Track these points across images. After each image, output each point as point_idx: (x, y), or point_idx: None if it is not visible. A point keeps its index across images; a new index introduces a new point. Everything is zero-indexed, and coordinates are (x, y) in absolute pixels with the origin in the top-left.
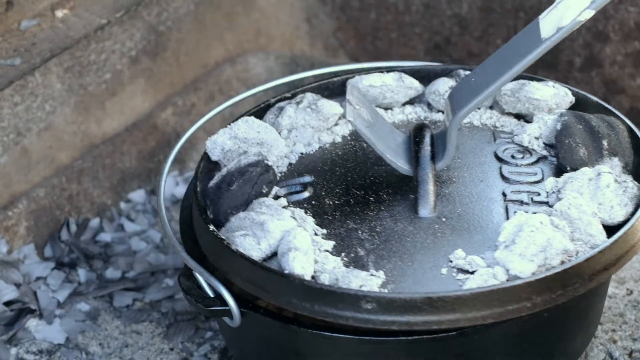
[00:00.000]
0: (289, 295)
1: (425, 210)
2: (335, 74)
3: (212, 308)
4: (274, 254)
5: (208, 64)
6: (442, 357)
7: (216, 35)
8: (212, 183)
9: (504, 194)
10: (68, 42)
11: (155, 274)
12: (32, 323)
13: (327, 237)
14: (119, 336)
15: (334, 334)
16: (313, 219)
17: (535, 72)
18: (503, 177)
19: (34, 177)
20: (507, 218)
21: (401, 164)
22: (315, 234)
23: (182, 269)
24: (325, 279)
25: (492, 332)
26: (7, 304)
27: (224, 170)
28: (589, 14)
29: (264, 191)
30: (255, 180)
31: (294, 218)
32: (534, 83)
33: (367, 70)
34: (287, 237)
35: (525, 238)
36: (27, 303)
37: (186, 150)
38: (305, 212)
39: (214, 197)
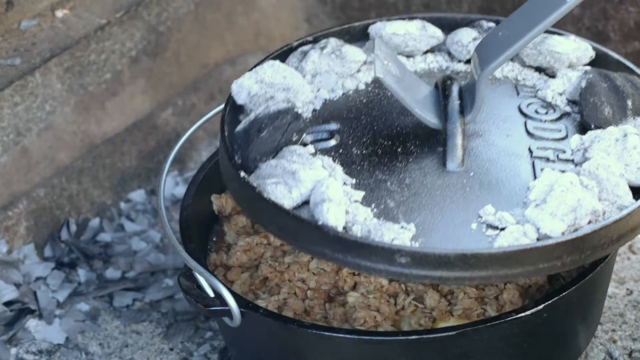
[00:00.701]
0: (322, 245)
1: (454, 164)
2: None
3: (212, 308)
4: (305, 203)
5: (208, 64)
6: (442, 357)
7: (216, 35)
8: (239, 128)
9: (530, 150)
10: (68, 42)
11: (155, 274)
12: (32, 323)
13: (356, 187)
14: (119, 336)
15: (334, 334)
16: (341, 168)
17: None
18: (528, 133)
19: (34, 177)
20: (534, 174)
21: (430, 118)
22: (345, 184)
23: (182, 269)
24: (357, 231)
25: (492, 332)
26: (7, 304)
27: (252, 115)
28: None
29: (294, 139)
30: (285, 128)
31: (324, 167)
32: (556, 37)
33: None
34: (319, 187)
35: (557, 197)
36: (27, 303)
37: (186, 150)
38: (334, 161)
39: (242, 142)
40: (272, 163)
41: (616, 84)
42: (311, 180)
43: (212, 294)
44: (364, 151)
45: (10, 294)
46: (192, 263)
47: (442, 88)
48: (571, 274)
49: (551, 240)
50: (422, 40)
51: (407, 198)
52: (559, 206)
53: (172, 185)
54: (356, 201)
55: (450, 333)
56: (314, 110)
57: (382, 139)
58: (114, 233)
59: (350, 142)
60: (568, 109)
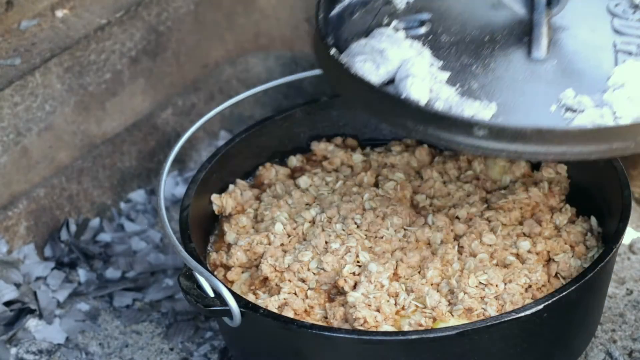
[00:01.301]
0: (405, 118)
1: (538, 52)
2: None
3: (212, 308)
4: (391, 81)
5: (208, 64)
6: (442, 358)
7: (216, 35)
8: (333, 12)
9: (614, 44)
10: (68, 42)
11: (155, 274)
12: (32, 323)
13: (442, 68)
14: (119, 336)
15: (334, 334)
16: (429, 52)
17: None
18: (614, 30)
19: (34, 177)
20: (616, 65)
21: (518, 8)
22: (431, 65)
23: (182, 269)
24: (439, 106)
25: (492, 332)
26: (7, 304)
27: (345, 1)
28: None
29: (384, 23)
30: (377, 11)
31: (412, 48)
32: None
33: None
34: (405, 65)
35: (634, 83)
36: (27, 303)
37: (186, 150)
38: (422, 45)
39: (335, 24)
40: (362, 42)
41: None
42: (398, 59)
43: (212, 294)
44: (452, 39)
45: (10, 293)
46: (192, 263)
47: None
48: (571, 274)
49: (626, 121)
50: None
51: (491, 81)
52: (636, 91)
53: (172, 185)
54: (441, 81)
55: (450, 333)
56: (407, 2)
57: (470, 29)
58: (114, 233)
59: (439, 30)
60: None
